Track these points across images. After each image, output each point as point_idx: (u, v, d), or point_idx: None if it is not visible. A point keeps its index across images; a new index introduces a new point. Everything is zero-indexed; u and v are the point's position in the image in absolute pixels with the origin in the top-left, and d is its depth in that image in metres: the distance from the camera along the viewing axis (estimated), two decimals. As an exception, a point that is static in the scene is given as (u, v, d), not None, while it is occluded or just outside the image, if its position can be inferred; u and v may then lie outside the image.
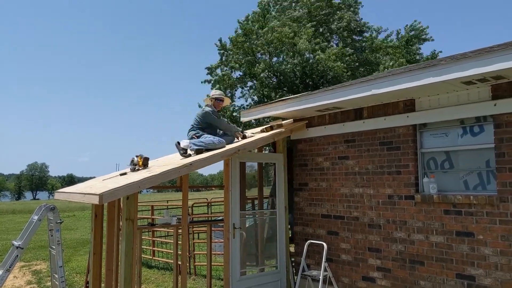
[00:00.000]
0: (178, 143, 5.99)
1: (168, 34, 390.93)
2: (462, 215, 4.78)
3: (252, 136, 6.54)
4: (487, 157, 4.77)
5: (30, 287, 8.32)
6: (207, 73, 17.90)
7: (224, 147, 6.04)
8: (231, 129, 6.47)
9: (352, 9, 18.40)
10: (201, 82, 17.97)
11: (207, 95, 6.70)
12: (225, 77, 16.97)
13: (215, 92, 6.69)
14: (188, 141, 6.03)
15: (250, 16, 17.59)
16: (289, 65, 15.61)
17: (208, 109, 6.43)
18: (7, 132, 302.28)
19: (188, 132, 6.36)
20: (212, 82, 17.53)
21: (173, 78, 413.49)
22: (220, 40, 17.53)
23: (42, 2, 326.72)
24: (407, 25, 19.32)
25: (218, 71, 17.51)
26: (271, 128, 6.57)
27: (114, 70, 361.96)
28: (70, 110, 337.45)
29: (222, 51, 17.56)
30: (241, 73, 17.42)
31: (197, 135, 6.19)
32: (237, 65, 16.91)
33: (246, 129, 8.47)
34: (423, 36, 19.19)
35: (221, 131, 6.45)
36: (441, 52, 19.32)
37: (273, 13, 17.64)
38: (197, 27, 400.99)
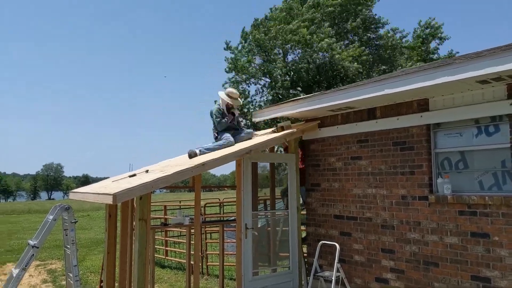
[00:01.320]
0: (196, 154, 6.10)
1: (178, 33, 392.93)
2: (477, 215, 4.72)
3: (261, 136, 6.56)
4: (502, 157, 4.69)
5: (45, 286, 8.44)
6: (225, 48, 18.43)
7: (231, 145, 6.12)
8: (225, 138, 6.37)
9: (369, 3, 18.36)
10: (224, 48, 18.50)
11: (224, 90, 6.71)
12: (242, 64, 17.34)
13: (229, 90, 6.74)
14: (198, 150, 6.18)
15: (273, 13, 17.88)
16: (305, 63, 15.68)
17: (215, 107, 6.61)
18: (23, 132, 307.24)
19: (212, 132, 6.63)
20: (231, 64, 17.97)
21: (188, 76, 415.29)
22: (242, 31, 18.05)
23: None
24: (420, 21, 19.12)
25: (237, 51, 18.05)
26: (282, 128, 6.56)
27: (131, 68, 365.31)
28: (87, 110, 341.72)
29: (242, 41, 18.06)
30: (256, 66, 17.71)
31: (217, 134, 6.47)
32: (251, 58, 17.22)
33: (261, 129, 8.49)
34: (439, 34, 18.97)
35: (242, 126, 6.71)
36: (458, 52, 19.12)
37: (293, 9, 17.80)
38: (205, 28, 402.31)
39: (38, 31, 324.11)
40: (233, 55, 18.15)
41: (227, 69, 18.23)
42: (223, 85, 18.47)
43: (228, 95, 6.62)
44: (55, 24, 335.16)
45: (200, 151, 6.12)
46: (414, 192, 5.34)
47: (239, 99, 6.81)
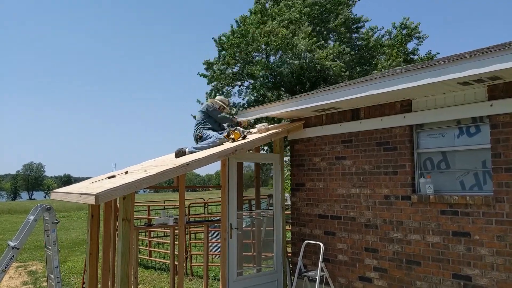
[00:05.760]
0: (184, 152, 6.20)
1: (167, 31, 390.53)
2: (458, 215, 4.80)
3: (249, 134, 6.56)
4: (483, 157, 4.78)
5: (26, 288, 8.29)
6: (205, 68, 17.96)
7: (222, 144, 6.14)
8: (227, 121, 6.86)
9: (350, 2, 18.36)
10: (198, 74, 18.09)
11: (208, 97, 7.14)
12: (221, 74, 17.02)
13: (219, 97, 7.24)
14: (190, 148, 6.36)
15: (247, 17, 17.56)
16: (287, 65, 15.58)
17: (207, 102, 6.97)
18: (2, 131, 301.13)
19: (194, 132, 6.71)
20: (208, 77, 17.61)
21: (173, 74, 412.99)
22: (218, 38, 17.55)
23: None
24: (394, 23, 19.16)
25: (216, 67, 17.58)
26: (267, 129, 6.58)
27: (112, 68, 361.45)
28: (67, 109, 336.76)
29: (220, 49, 17.62)
30: (237, 69, 17.44)
31: (200, 134, 6.52)
32: (233, 61, 16.95)
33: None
34: (417, 34, 19.09)
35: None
36: (438, 53, 19.35)
37: (269, 10, 17.57)
38: (197, 24, 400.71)
39: (33, 24, 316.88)
40: (211, 72, 17.72)
41: (208, 80, 17.93)
42: (207, 93, 18.20)
43: (223, 102, 7.09)
44: (35, 10, 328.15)
45: (189, 150, 6.17)
46: (397, 192, 5.41)
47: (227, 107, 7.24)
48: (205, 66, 17.82)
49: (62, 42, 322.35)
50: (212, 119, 6.74)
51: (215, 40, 17.68)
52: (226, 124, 6.86)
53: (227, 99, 7.31)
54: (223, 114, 6.83)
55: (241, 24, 17.18)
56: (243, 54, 16.71)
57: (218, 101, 7.06)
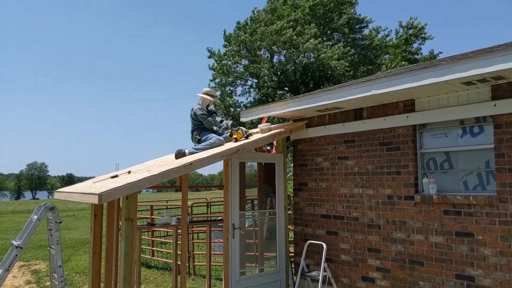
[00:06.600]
0: (184, 153, 6.15)
1: (167, 31, 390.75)
2: (461, 215, 4.78)
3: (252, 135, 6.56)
4: (486, 157, 4.77)
5: (29, 287, 8.32)
6: (208, 56, 18.02)
7: (222, 145, 6.13)
8: (218, 127, 6.60)
9: (353, 0, 18.40)
10: (209, 68, 18.10)
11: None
12: (227, 69, 17.06)
13: (204, 90, 6.90)
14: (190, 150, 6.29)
15: (261, 15, 17.63)
16: (293, 63, 15.62)
17: (195, 107, 6.63)
18: (5, 131, 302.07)
19: (191, 134, 6.56)
20: (216, 69, 17.69)
21: (173, 74, 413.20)
22: (229, 34, 17.70)
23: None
24: (401, 21, 19.15)
25: (224, 61, 17.65)
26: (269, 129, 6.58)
27: (112, 68, 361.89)
28: (67, 109, 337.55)
29: (226, 44, 17.71)
30: (241, 67, 17.47)
31: (199, 137, 6.43)
32: (237, 58, 16.99)
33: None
34: (422, 35, 19.09)
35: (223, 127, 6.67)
36: (441, 52, 19.31)
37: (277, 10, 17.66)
38: (197, 24, 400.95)
39: (36, 25, 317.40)
40: (216, 63, 17.77)
41: (212, 76, 17.96)
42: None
43: (208, 94, 6.77)
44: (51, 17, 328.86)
45: (189, 151, 6.16)
46: (400, 192, 5.39)
47: (213, 94, 7.00)
48: (209, 54, 17.90)
49: (62, 42, 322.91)
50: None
51: (225, 36, 17.79)
52: (225, 124, 6.75)
53: (211, 90, 6.96)
54: (210, 119, 6.51)
55: (252, 23, 17.26)
56: (249, 53, 16.76)
57: (205, 97, 6.69)
